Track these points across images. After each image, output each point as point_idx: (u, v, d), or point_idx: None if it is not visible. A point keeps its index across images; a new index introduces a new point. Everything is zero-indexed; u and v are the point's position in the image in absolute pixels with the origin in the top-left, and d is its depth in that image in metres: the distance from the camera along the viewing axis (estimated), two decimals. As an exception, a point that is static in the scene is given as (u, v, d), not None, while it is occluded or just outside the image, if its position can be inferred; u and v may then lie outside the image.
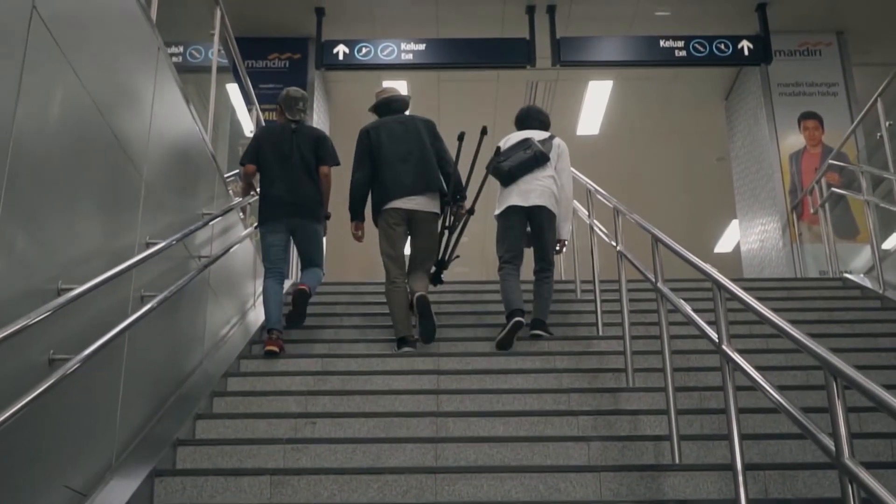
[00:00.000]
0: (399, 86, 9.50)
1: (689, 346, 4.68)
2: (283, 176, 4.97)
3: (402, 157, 4.94)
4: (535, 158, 5.06)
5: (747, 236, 9.51)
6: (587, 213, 5.77)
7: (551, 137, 5.23)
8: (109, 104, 3.09)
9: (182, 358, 4.11)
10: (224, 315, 4.99)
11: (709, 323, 3.17)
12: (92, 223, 2.95)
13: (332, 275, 9.07)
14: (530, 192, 5.01)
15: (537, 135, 5.23)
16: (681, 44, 8.78)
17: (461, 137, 4.98)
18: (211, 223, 4.46)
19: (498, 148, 5.12)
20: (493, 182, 5.20)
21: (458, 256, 5.36)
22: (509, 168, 5.03)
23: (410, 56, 8.72)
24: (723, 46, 8.79)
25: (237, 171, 7.23)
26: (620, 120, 10.65)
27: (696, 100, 10.27)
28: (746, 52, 8.78)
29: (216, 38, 5.32)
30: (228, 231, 5.16)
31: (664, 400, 3.57)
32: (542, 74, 9.61)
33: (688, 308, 3.40)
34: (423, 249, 5.00)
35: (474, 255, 13.83)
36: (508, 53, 8.73)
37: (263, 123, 6.98)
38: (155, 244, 3.52)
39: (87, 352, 2.58)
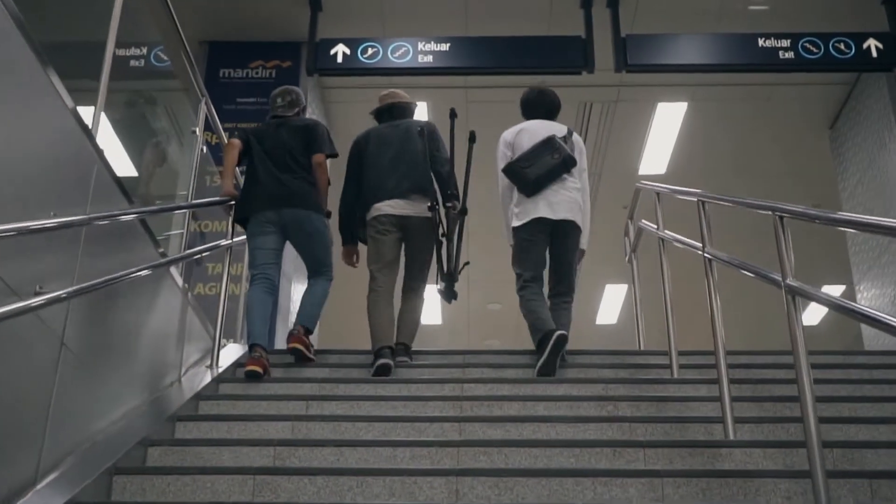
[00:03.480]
0: (417, 101, 7.59)
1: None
2: (266, 171, 4.46)
3: (386, 159, 4.59)
4: (565, 164, 4.44)
5: (876, 308, 7.23)
6: (703, 250, 3.56)
7: (570, 133, 4.61)
8: None
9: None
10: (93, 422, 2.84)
11: None
12: None
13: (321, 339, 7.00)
14: (558, 203, 4.42)
15: (556, 129, 4.58)
16: (786, 43, 6.65)
17: (472, 139, 4.44)
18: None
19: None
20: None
21: (467, 263, 4.67)
22: (536, 177, 4.39)
23: (430, 58, 6.63)
24: (842, 46, 6.65)
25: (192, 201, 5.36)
26: (692, 156, 8.65)
27: (788, 129, 8.32)
28: (874, 54, 6.63)
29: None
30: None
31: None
32: (600, 94, 7.62)
33: None
34: (416, 260, 4.57)
35: (508, 325, 11.78)
36: (559, 55, 6.59)
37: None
38: None
39: None
